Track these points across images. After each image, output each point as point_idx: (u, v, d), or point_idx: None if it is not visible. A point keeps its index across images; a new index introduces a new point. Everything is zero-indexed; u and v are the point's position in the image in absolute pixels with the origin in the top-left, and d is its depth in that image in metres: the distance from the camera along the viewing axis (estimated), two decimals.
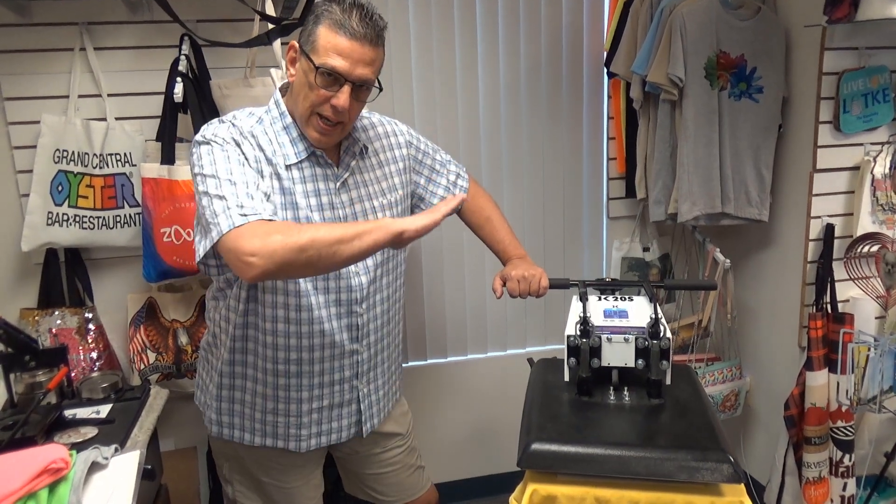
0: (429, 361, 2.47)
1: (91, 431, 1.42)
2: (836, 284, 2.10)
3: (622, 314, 1.48)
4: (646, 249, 2.47)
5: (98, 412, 1.53)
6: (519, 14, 2.29)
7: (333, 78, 1.29)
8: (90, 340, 1.97)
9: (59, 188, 1.89)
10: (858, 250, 2.07)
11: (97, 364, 1.95)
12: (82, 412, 1.53)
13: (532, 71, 2.34)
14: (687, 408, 1.40)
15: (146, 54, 1.95)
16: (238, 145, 1.31)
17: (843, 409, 2.03)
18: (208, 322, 1.52)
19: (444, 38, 2.25)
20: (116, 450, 1.25)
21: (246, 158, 1.31)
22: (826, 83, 2.02)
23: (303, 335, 1.41)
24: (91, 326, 1.98)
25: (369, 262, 1.45)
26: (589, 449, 1.26)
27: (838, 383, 2.03)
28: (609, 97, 2.39)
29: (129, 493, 1.15)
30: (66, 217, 1.90)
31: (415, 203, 1.65)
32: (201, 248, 1.29)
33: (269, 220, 1.22)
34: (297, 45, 1.33)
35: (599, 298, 1.57)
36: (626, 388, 1.46)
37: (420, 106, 2.28)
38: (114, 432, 1.43)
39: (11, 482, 1.04)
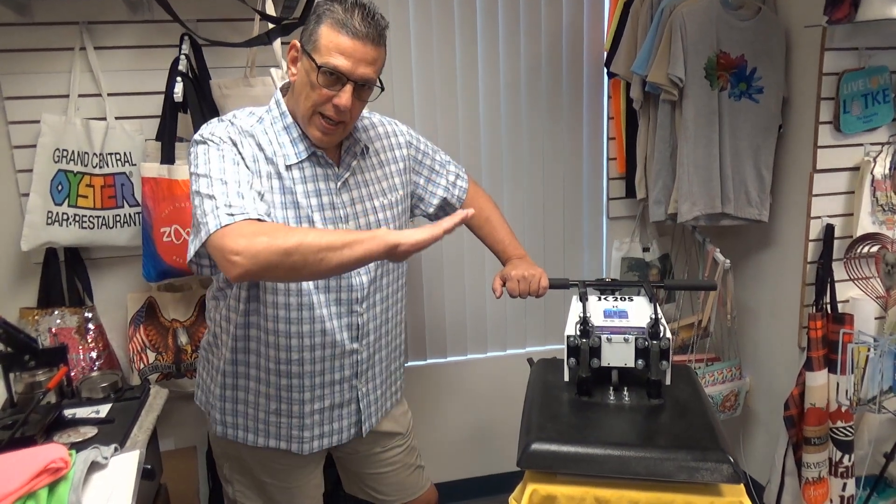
0: (428, 361, 2.47)
1: (91, 431, 1.42)
2: (836, 285, 2.10)
3: (622, 314, 1.48)
4: (646, 249, 2.47)
5: (98, 412, 1.53)
6: (519, 14, 2.29)
7: (335, 77, 1.29)
8: (90, 340, 1.97)
9: (59, 188, 1.89)
10: (858, 251, 2.07)
11: (97, 364, 1.95)
12: (82, 412, 1.53)
13: (532, 71, 2.34)
14: (687, 408, 1.40)
15: (146, 54, 1.95)
16: (235, 144, 1.31)
17: (843, 409, 2.03)
18: (209, 322, 1.52)
19: (445, 37, 2.25)
20: (116, 449, 1.25)
21: (242, 158, 1.31)
22: (826, 83, 2.02)
23: (304, 334, 1.41)
24: (91, 326, 1.98)
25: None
26: (589, 449, 1.26)
27: (838, 384, 2.03)
28: (609, 97, 2.39)
29: (128, 493, 1.15)
30: (65, 216, 1.90)
31: (414, 203, 1.65)
32: (192, 247, 1.29)
33: (259, 219, 1.21)
34: (298, 44, 1.33)
35: (599, 298, 1.57)
36: (625, 389, 1.46)
37: (420, 105, 2.28)
38: (113, 432, 1.43)
39: (11, 482, 1.04)
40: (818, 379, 2.04)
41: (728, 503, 1.22)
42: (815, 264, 2.13)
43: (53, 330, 1.94)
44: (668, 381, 1.45)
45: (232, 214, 1.20)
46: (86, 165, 1.90)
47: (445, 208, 1.70)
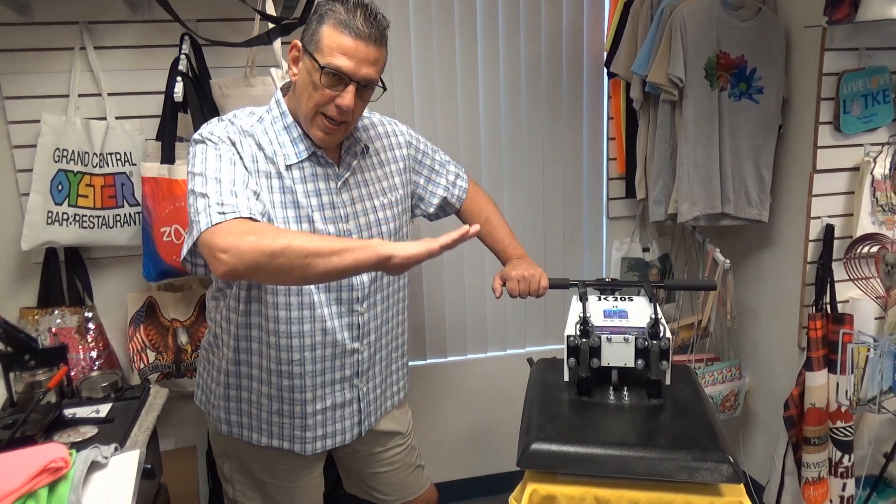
0: (428, 361, 2.47)
1: (91, 431, 1.42)
2: (836, 285, 2.10)
3: (622, 314, 1.48)
4: (645, 250, 2.47)
5: (98, 411, 1.53)
6: (519, 14, 2.29)
7: (338, 78, 1.29)
8: (90, 340, 1.97)
9: (59, 187, 1.89)
10: (858, 251, 2.07)
11: (97, 363, 1.95)
12: (82, 411, 1.53)
13: (532, 71, 2.34)
14: (686, 408, 1.40)
15: (146, 53, 1.95)
16: (234, 144, 1.32)
17: (843, 409, 2.03)
18: (209, 322, 1.52)
19: (445, 37, 2.25)
20: (116, 449, 1.25)
21: (241, 157, 1.31)
22: (826, 84, 2.02)
23: (304, 334, 1.41)
24: (91, 326, 1.98)
25: None
26: (588, 449, 1.26)
27: (838, 384, 2.03)
28: (609, 97, 2.39)
29: (128, 493, 1.15)
30: (65, 216, 1.90)
31: (414, 203, 1.65)
32: (185, 245, 1.30)
33: (250, 218, 1.21)
34: (299, 44, 1.33)
35: (599, 298, 1.57)
36: (625, 388, 1.46)
37: (420, 105, 2.28)
38: (113, 431, 1.43)
39: (11, 481, 1.04)
40: (818, 379, 2.04)
41: (728, 503, 1.23)
42: (814, 264, 2.13)
43: (53, 329, 1.94)
44: (667, 381, 1.45)
45: (223, 213, 1.20)
46: (86, 165, 1.90)
47: (445, 208, 1.70)
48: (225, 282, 1.43)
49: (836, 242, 2.10)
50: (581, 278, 1.64)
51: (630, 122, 2.33)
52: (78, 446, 1.24)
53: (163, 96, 1.90)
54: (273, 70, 1.82)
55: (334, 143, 1.40)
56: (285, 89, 1.42)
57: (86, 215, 1.91)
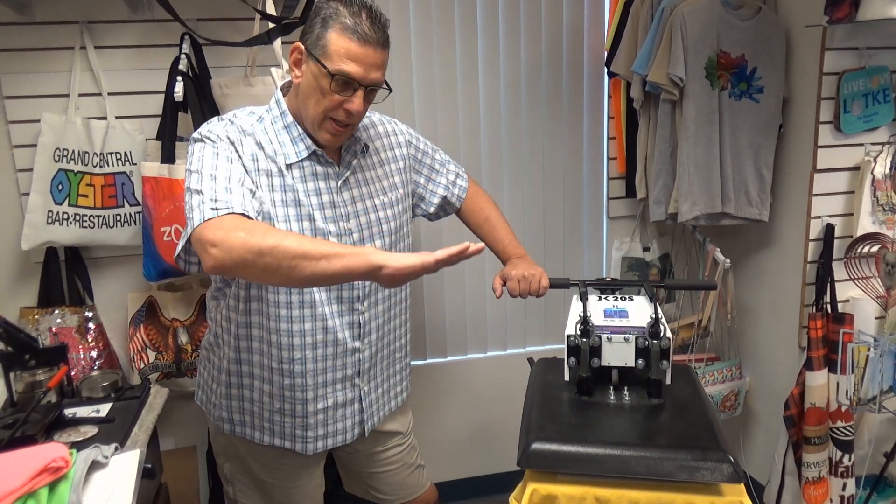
0: (428, 361, 2.47)
1: (91, 430, 1.42)
2: (836, 284, 2.10)
3: (622, 314, 1.48)
4: (646, 249, 2.47)
5: (98, 411, 1.53)
6: (519, 14, 2.29)
7: (347, 83, 1.29)
8: (90, 339, 1.97)
9: (60, 187, 1.89)
10: (858, 250, 2.07)
11: (97, 363, 1.95)
12: (82, 411, 1.53)
13: (532, 70, 2.34)
14: (687, 407, 1.40)
15: (147, 53, 1.95)
16: (233, 143, 1.32)
17: (843, 409, 2.03)
18: (210, 322, 1.52)
19: (445, 37, 2.25)
20: (116, 448, 1.25)
21: (240, 156, 1.31)
22: (826, 83, 2.02)
23: (305, 333, 1.41)
24: (91, 325, 1.98)
25: None
26: (589, 448, 1.26)
27: (838, 383, 2.03)
28: (609, 97, 2.39)
29: (129, 492, 1.15)
30: (66, 216, 1.90)
31: (415, 203, 1.65)
32: (180, 242, 1.31)
33: (243, 214, 1.21)
34: (302, 46, 1.33)
35: (599, 298, 1.57)
36: (626, 388, 1.46)
37: (420, 105, 2.28)
38: (114, 431, 1.43)
39: (11, 481, 1.04)
40: (818, 378, 2.04)
41: (728, 503, 1.23)
42: (815, 264, 2.13)
43: (54, 329, 1.94)
44: (668, 381, 1.45)
45: (216, 209, 1.20)
46: (86, 165, 1.90)
47: (446, 207, 1.70)
48: (224, 281, 1.43)
49: (836, 242, 2.09)
50: (581, 278, 1.64)
51: (630, 122, 2.33)
52: (78, 446, 1.24)
53: (163, 96, 1.90)
54: (273, 69, 1.82)
55: (339, 143, 1.40)
56: (285, 89, 1.42)
57: (86, 215, 1.91)
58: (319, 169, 1.40)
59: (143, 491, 1.28)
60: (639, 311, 1.49)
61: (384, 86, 1.35)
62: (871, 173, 2.07)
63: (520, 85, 2.34)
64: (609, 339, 1.43)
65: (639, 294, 1.60)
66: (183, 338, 2.00)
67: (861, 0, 1.85)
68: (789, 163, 2.20)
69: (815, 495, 2.07)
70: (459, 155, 2.31)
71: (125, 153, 1.94)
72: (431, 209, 1.68)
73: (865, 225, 2.08)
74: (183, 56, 1.85)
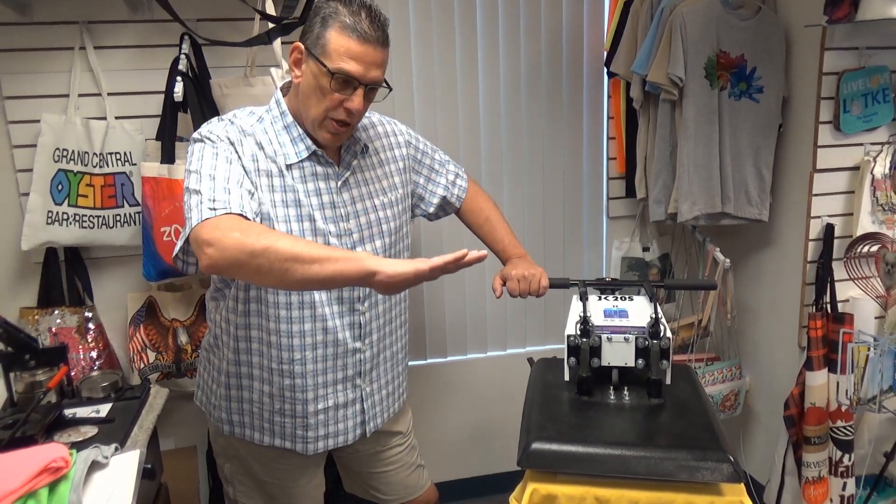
0: (428, 361, 2.47)
1: (91, 430, 1.42)
2: (836, 284, 2.10)
3: (622, 314, 1.48)
4: (646, 249, 2.47)
5: (98, 411, 1.53)
6: (519, 13, 2.29)
7: (347, 82, 1.29)
8: (90, 339, 1.97)
9: (59, 187, 1.89)
10: (858, 250, 2.07)
11: (97, 363, 1.95)
12: (82, 411, 1.53)
13: (532, 70, 2.34)
14: (687, 407, 1.40)
15: (146, 53, 1.95)
16: (232, 143, 1.32)
17: (843, 408, 2.03)
18: (209, 323, 1.52)
19: (445, 37, 2.25)
20: (116, 449, 1.25)
21: (239, 157, 1.31)
22: (826, 83, 2.02)
23: (305, 333, 1.41)
24: (91, 325, 1.98)
25: None
26: (589, 448, 1.26)
27: (838, 383, 2.03)
28: (609, 97, 2.39)
29: (129, 492, 1.15)
30: (65, 216, 1.90)
31: (414, 203, 1.65)
32: (179, 242, 1.31)
33: (241, 215, 1.22)
34: (302, 46, 1.33)
35: (599, 298, 1.57)
36: (626, 388, 1.46)
37: (420, 105, 2.28)
38: (114, 431, 1.43)
39: (11, 481, 1.04)
40: (818, 378, 2.04)
41: (728, 502, 1.23)
42: (815, 264, 2.13)
43: (53, 329, 1.94)
44: (668, 381, 1.45)
45: (214, 209, 1.21)
46: (86, 165, 1.90)
47: (445, 207, 1.70)
48: (224, 282, 1.43)
49: (836, 242, 2.09)
50: (581, 278, 1.64)
51: (630, 122, 2.33)
52: (78, 446, 1.24)
53: (163, 96, 1.90)
54: (273, 70, 1.82)
55: (340, 143, 1.40)
56: (285, 89, 1.42)
57: (86, 215, 1.91)
58: (319, 169, 1.39)
59: (143, 491, 1.28)
60: (639, 310, 1.49)
61: (384, 85, 1.35)
62: (871, 173, 2.07)
63: (519, 85, 2.34)
64: (609, 339, 1.43)
65: (639, 294, 1.60)
66: (183, 338, 2.00)
67: (861, 0, 1.85)
68: (789, 163, 2.20)
69: (815, 495, 2.07)
70: (459, 155, 2.31)
71: (125, 153, 1.94)
72: (431, 209, 1.68)
73: (865, 225, 2.08)
74: (183, 56, 1.85)
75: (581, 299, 1.52)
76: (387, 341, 1.54)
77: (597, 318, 1.46)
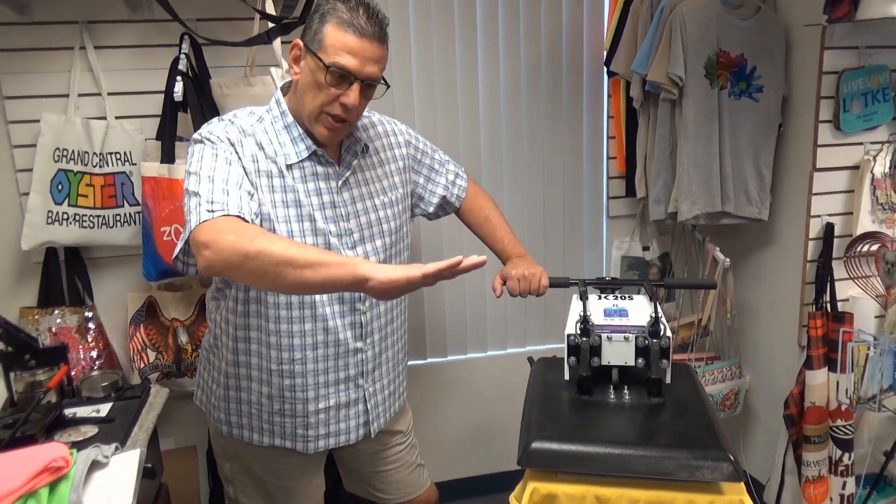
0: (428, 360, 2.47)
1: (91, 430, 1.42)
2: (836, 283, 2.10)
3: (622, 313, 1.48)
4: (646, 248, 2.47)
5: (98, 411, 1.53)
6: (519, 13, 2.28)
7: (343, 77, 1.29)
8: (90, 339, 1.97)
9: (59, 187, 1.89)
10: (858, 249, 2.07)
11: (97, 363, 1.95)
12: (82, 411, 1.53)
13: (532, 70, 2.33)
14: (687, 406, 1.40)
15: (146, 53, 1.95)
16: (233, 144, 1.32)
17: (843, 407, 2.04)
18: (209, 323, 1.52)
19: (445, 37, 2.25)
20: (117, 448, 1.25)
21: (239, 157, 1.31)
22: (826, 82, 2.02)
23: (305, 333, 1.41)
24: (91, 325, 1.98)
25: (373, 259, 1.45)
26: (589, 447, 1.26)
27: (838, 382, 2.03)
28: (609, 96, 2.39)
29: (129, 492, 1.15)
30: (65, 216, 1.89)
31: (414, 202, 1.65)
32: (179, 244, 1.31)
33: (239, 216, 1.22)
34: (301, 43, 1.33)
35: (599, 297, 1.57)
36: (626, 387, 1.46)
37: (420, 105, 2.28)
38: (114, 431, 1.43)
39: (12, 481, 1.04)
40: (818, 377, 2.04)
41: (728, 501, 1.23)
42: (814, 263, 2.13)
43: (54, 329, 1.94)
44: (668, 380, 1.45)
45: (212, 210, 1.21)
46: (86, 165, 1.90)
47: (445, 207, 1.70)
48: (224, 282, 1.43)
49: (836, 241, 2.10)
50: (581, 277, 1.64)
51: (630, 121, 2.33)
52: (78, 446, 1.24)
53: (163, 96, 1.89)
54: (273, 69, 1.82)
55: (337, 140, 1.40)
56: (285, 89, 1.42)
57: (86, 215, 1.91)
58: (320, 169, 1.40)
59: (143, 491, 1.28)
60: (639, 310, 1.49)
61: (381, 81, 1.35)
62: (871, 172, 2.07)
63: (519, 84, 2.34)
64: (609, 339, 1.43)
65: (639, 293, 1.60)
66: (183, 338, 2.00)
67: None
68: (789, 162, 2.20)
69: (815, 494, 2.07)
70: (459, 155, 2.31)
71: (125, 153, 1.94)
72: (431, 209, 1.68)
73: (865, 224, 2.08)
74: (182, 56, 1.85)
75: (581, 298, 1.52)
76: (388, 341, 1.54)
77: (597, 318, 1.46)
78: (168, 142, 1.86)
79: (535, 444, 1.28)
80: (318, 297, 1.39)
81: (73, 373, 1.85)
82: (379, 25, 1.30)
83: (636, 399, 1.42)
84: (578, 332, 1.43)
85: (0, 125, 1.92)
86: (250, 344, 1.43)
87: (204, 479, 2.17)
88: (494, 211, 1.74)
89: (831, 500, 2.09)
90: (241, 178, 1.29)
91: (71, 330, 1.95)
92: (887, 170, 2.08)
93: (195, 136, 1.35)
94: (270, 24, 1.80)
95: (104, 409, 1.55)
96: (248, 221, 1.23)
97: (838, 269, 2.11)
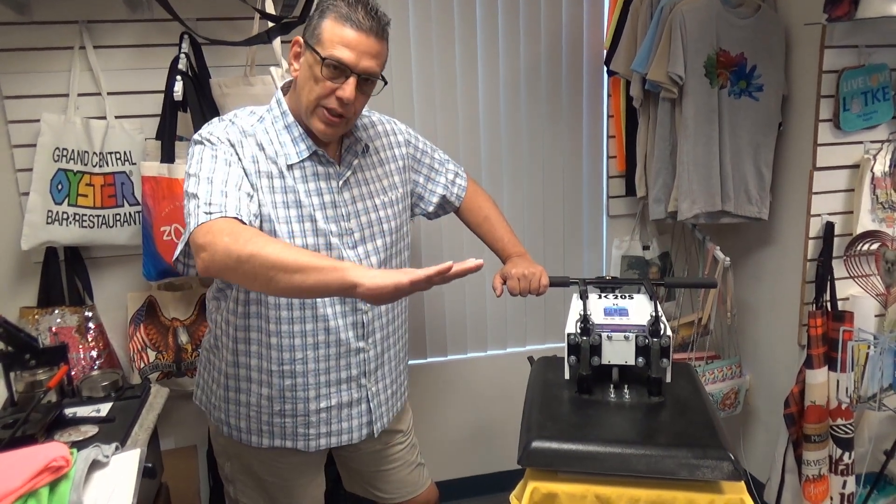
0: (429, 360, 2.47)
1: (91, 430, 1.42)
2: (836, 282, 2.10)
3: (622, 312, 1.48)
4: (646, 248, 2.47)
5: (98, 410, 1.53)
6: (519, 12, 2.28)
7: (339, 70, 1.29)
8: (90, 339, 1.97)
9: (59, 187, 1.88)
10: (858, 248, 2.07)
11: (97, 363, 1.95)
12: (83, 411, 1.53)
13: (532, 69, 2.33)
14: (687, 406, 1.40)
15: (146, 53, 1.95)
16: (233, 145, 1.32)
17: (843, 406, 2.04)
18: (210, 323, 1.52)
19: (445, 36, 2.24)
20: (117, 448, 1.25)
21: (240, 159, 1.31)
22: (826, 81, 2.02)
23: (307, 333, 1.41)
24: (91, 325, 1.98)
25: (373, 258, 1.45)
26: (589, 447, 1.26)
27: (838, 381, 2.03)
28: (609, 95, 2.39)
29: (129, 492, 1.15)
30: (65, 216, 1.89)
31: (414, 202, 1.65)
32: (179, 246, 1.31)
33: (236, 218, 1.22)
34: (301, 39, 1.34)
35: (600, 296, 1.57)
36: (626, 386, 1.46)
37: (420, 105, 2.28)
38: (114, 431, 1.43)
39: (12, 480, 1.04)
40: (818, 376, 2.04)
41: (729, 500, 1.23)
42: (815, 262, 2.13)
43: (54, 329, 1.94)
44: (668, 379, 1.45)
45: (210, 213, 1.21)
46: (86, 164, 1.90)
47: (445, 206, 1.70)
48: (225, 282, 1.43)
49: (836, 240, 2.09)
50: (581, 276, 1.64)
51: (630, 120, 2.33)
52: (79, 445, 1.24)
53: (162, 95, 1.89)
54: (273, 69, 1.82)
55: (335, 136, 1.39)
56: (286, 88, 1.42)
57: (86, 215, 1.91)
58: (320, 169, 1.39)
59: (143, 490, 1.28)
60: (639, 309, 1.49)
61: (379, 77, 1.35)
62: (871, 171, 2.07)
63: (519, 84, 2.34)
64: (609, 338, 1.43)
65: (639, 292, 1.60)
66: (183, 337, 2.00)
67: None
68: (789, 161, 2.20)
69: (816, 493, 2.07)
70: (459, 155, 2.31)
71: (125, 153, 1.93)
72: (430, 208, 1.68)
73: (865, 223, 2.08)
74: (182, 55, 1.85)
75: (581, 298, 1.52)
76: (390, 340, 1.54)
77: (597, 317, 1.46)
78: (168, 141, 1.86)
79: (536, 444, 1.28)
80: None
81: (73, 372, 1.85)
82: (377, 21, 1.30)
83: (636, 398, 1.42)
84: (579, 331, 1.43)
85: (0, 125, 1.92)
86: (250, 345, 1.43)
87: (204, 479, 2.17)
88: (494, 210, 1.73)
89: (832, 499, 2.09)
90: (241, 179, 1.29)
91: (71, 330, 1.95)
92: (887, 168, 2.08)
93: (195, 136, 1.35)
94: (270, 24, 1.80)
95: (104, 408, 1.55)
96: (245, 223, 1.23)
97: (838, 268, 2.10)
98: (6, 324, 1.51)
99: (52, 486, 1.09)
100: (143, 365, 1.96)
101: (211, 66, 1.94)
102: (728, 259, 2.15)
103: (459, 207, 1.72)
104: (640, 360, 1.42)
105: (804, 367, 2.08)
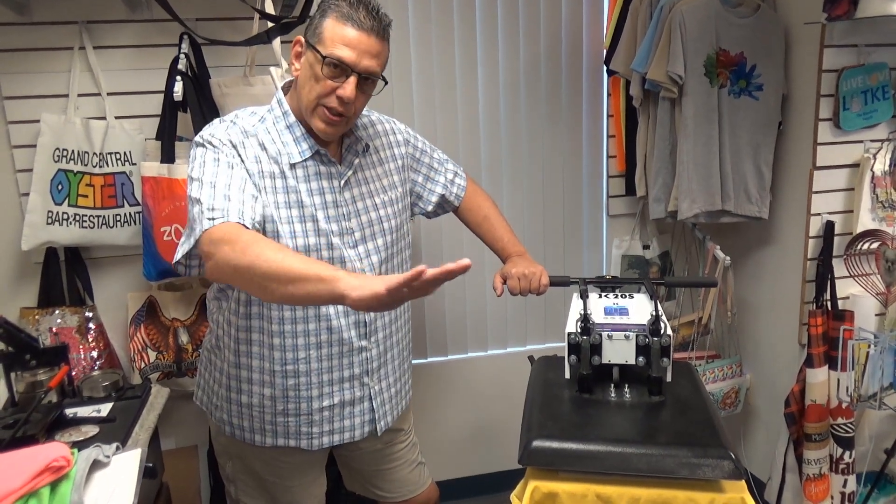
0: (429, 359, 2.47)
1: (92, 430, 1.42)
2: (836, 281, 2.10)
3: (623, 312, 1.48)
4: (646, 247, 2.47)
5: (99, 411, 1.53)
6: (518, 12, 2.28)
7: (340, 69, 1.29)
8: (90, 339, 1.97)
9: (59, 187, 1.88)
10: (858, 247, 2.07)
11: (98, 363, 1.95)
12: (83, 411, 1.53)
13: (531, 69, 2.33)
14: (687, 405, 1.40)
15: (146, 53, 1.95)
16: (235, 147, 1.32)
17: (844, 405, 2.04)
18: (211, 323, 1.52)
19: (444, 36, 2.25)
20: (118, 448, 1.25)
21: (242, 160, 1.31)
22: (826, 80, 2.02)
23: (310, 333, 1.41)
24: (91, 325, 1.98)
25: (374, 258, 1.45)
26: (590, 446, 1.26)
27: (838, 380, 2.03)
28: (609, 95, 2.39)
29: (130, 492, 1.15)
30: (65, 216, 1.89)
31: (413, 201, 1.65)
32: (181, 249, 1.31)
33: (239, 222, 1.22)
34: (302, 39, 1.34)
35: (600, 296, 1.57)
36: (626, 386, 1.46)
37: (419, 105, 2.28)
38: (115, 431, 1.43)
39: (13, 480, 1.05)
40: (819, 375, 2.04)
41: (729, 499, 1.23)
42: (815, 261, 2.13)
43: (54, 329, 1.94)
44: (668, 378, 1.45)
45: (213, 218, 1.22)
46: (86, 165, 1.90)
47: (444, 206, 1.71)
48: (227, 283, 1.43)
49: (836, 239, 2.10)
50: (581, 276, 1.64)
51: (630, 120, 2.33)
52: (79, 445, 1.24)
53: (162, 96, 1.89)
54: (272, 69, 1.82)
55: (336, 135, 1.39)
56: (286, 88, 1.42)
57: (86, 215, 1.91)
58: (322, 169, 1.40)
59: (144, 490, 1.28)
60: (639, 308, 1.49)
61: (379, 76, 1.35)
62: (871, 170, 2.07)
63: (519, 84, 2.34)
64: (610, 337, 1.43)
65: (639, 292, 1.60)
66: (183, 337, 2.00)
67: None
68: (789, 160, 2.20)
69: (816, 492, 2.07)
70: (459, 155, 2.31)
71: (125, 153, 1.93)
72: (430, 207, 1.68)
73: (865, 222, 2.08)
74: (182, 56, 1.85)
75: (581, 297, 1.52)
76: (393, 339, 1.54)
77: (597, 316, 1.46)
78: (168, 141, 1.86)
79: (536, 443, 1.28)
80: None
81: (73, 373, 1.85)
82: (378, 21, 1.30)
83: (637, 397, 1.42)
84: (579, 330, 1.44)
85: (0, 125, 1.92)
86: (252, 346, 1.43)
87: (205, 479, 2.17)
88: (493, 210, 1.74)
89: (832, 498, 2.09)
90: (244, 181, 1.29)
91: (71, 330, 1.95)
92: (887, 167, 2.08)
93: (196, 139, 1.35)
94: (270, 24, 1.80)
95: (105, 408, 1.55)
96: (248, 227, 1.23)
97: (838, 267, 2.11)
98: (7, 324, 1.51)
99: (53, 486, 1.09)
100: (143, 365, 1.96)
101: (211, 66, 1.94)
102: (728, 258, 2.15)
103: (459, 207, 1.72)
104: (641, 359, 1.42)
105: (804, 366, 2.08)
